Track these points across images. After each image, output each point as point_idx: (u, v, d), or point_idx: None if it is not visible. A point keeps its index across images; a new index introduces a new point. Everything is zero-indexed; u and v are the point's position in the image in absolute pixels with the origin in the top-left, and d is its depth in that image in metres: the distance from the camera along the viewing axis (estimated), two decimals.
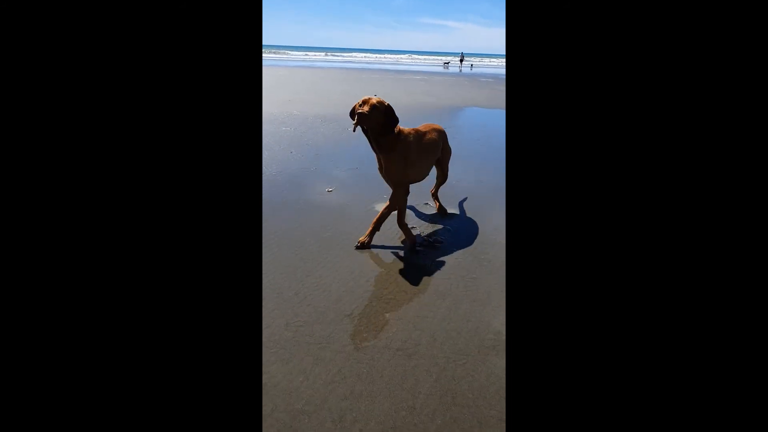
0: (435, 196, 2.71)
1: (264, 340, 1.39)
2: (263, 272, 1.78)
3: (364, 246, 2.16)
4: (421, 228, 2.36)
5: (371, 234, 2.20)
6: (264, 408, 1.12)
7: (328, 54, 38.52)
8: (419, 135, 2.25)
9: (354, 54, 41.97)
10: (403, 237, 2.18)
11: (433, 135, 2.38)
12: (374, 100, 2.04)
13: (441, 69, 22.00)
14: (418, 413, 1.13)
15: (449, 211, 2.63)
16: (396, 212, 2.19)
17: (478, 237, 2.26)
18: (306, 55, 35.58)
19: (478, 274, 1.87)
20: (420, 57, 43.51)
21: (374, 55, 41.66)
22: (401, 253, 2.05)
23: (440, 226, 2.39)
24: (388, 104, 2.07)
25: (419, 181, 2.33)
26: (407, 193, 2.21)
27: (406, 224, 2.22)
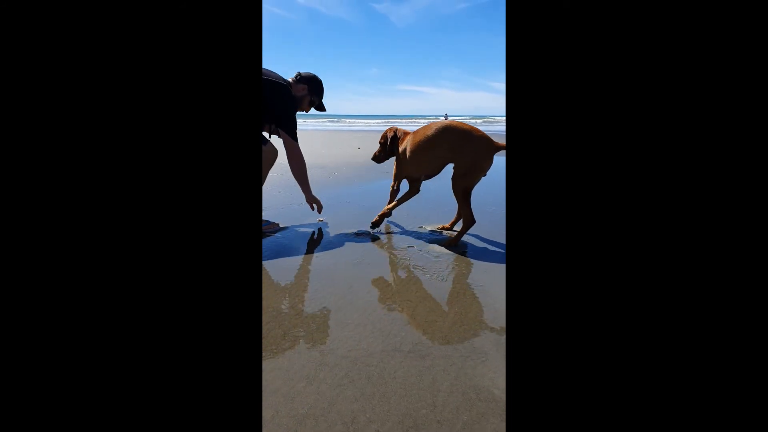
0: (449, 228, 2.60)
1: None
2: None
3: (376, 224, 2.53)
4: (418, 245, 2.28)
5: (389, 210, 2.57)
6: (264, 415, 0.96)
7: (335, 121, 40.29)
8: (412, 135, 2.46)
9: (349, 120, 44.15)
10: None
11: (431, 132, 2.27)
12: (386, 133, 2.64)
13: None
14: (440, 410, 0.99)
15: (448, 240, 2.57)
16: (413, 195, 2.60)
17: (484, 250, 2.19)
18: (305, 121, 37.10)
19: (485, 283, 1.78)
20: (400, 120, 45.80)
21: (363, 121, 43.99)
22: (401, 268, 1.95)
23: (442, 240, 2.32)
24: (392, 135, 2.61)
25: (423, 176, 2.47)
26: (415, 187, 2.56)
27: (389, 213, 2.57)
